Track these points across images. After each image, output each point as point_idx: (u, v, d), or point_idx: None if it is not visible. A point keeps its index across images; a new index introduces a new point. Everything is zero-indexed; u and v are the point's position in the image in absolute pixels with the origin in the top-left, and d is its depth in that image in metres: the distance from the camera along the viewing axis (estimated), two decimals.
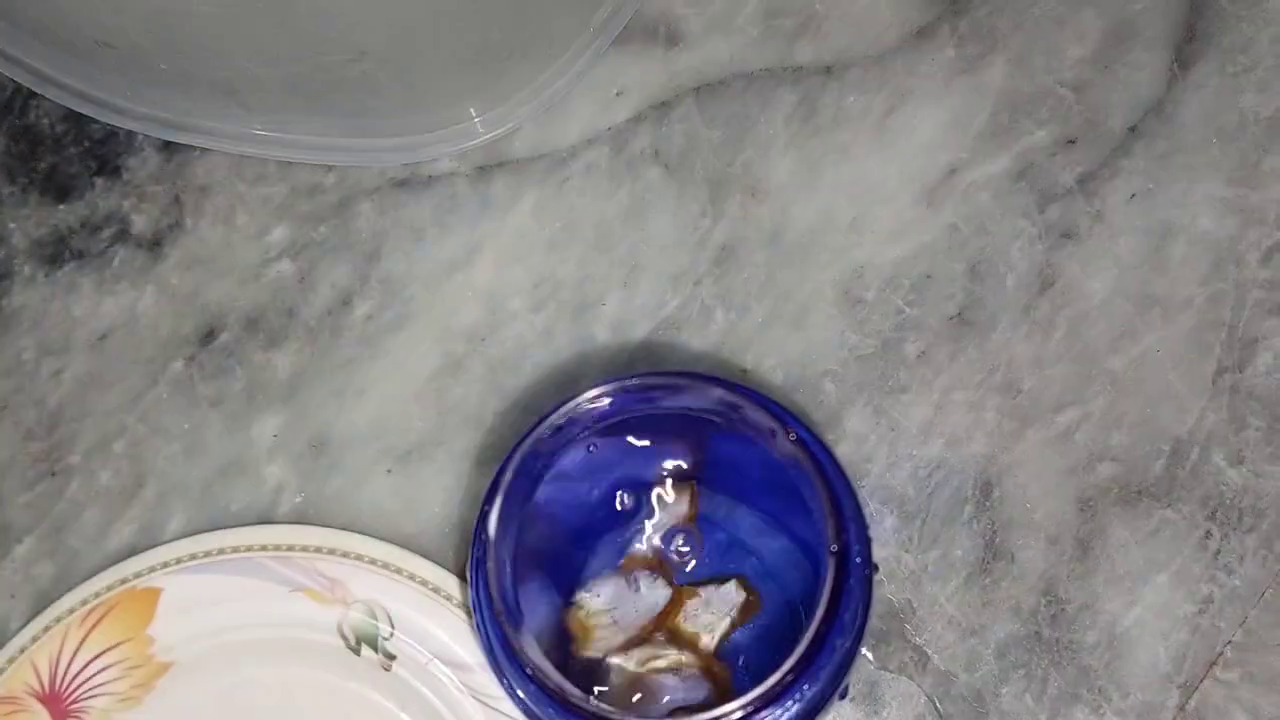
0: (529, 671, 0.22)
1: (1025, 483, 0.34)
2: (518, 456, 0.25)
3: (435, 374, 0.36)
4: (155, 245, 0.38)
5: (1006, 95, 0.37)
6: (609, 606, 0.28)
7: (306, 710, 0.32)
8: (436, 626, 0.32)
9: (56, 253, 0.38)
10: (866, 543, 0.22)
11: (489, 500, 0.24)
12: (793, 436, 0.23)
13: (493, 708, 0.31)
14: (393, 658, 0.32)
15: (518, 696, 0.23)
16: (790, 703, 0.20)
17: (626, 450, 0.27)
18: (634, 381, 0.25)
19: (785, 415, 0.24)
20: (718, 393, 0.25)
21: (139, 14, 0.33)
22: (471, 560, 0.25)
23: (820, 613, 0.20)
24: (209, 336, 0.37)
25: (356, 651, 0.32)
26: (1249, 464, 0.33)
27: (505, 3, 0.35)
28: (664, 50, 0.38)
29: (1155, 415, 0.34)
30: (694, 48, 0.38)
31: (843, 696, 0.23)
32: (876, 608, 0.33)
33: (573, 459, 0.26)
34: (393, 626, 0.32)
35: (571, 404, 0.25)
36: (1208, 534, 0.33)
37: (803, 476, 0.22)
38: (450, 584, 0.32)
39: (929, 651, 0.32)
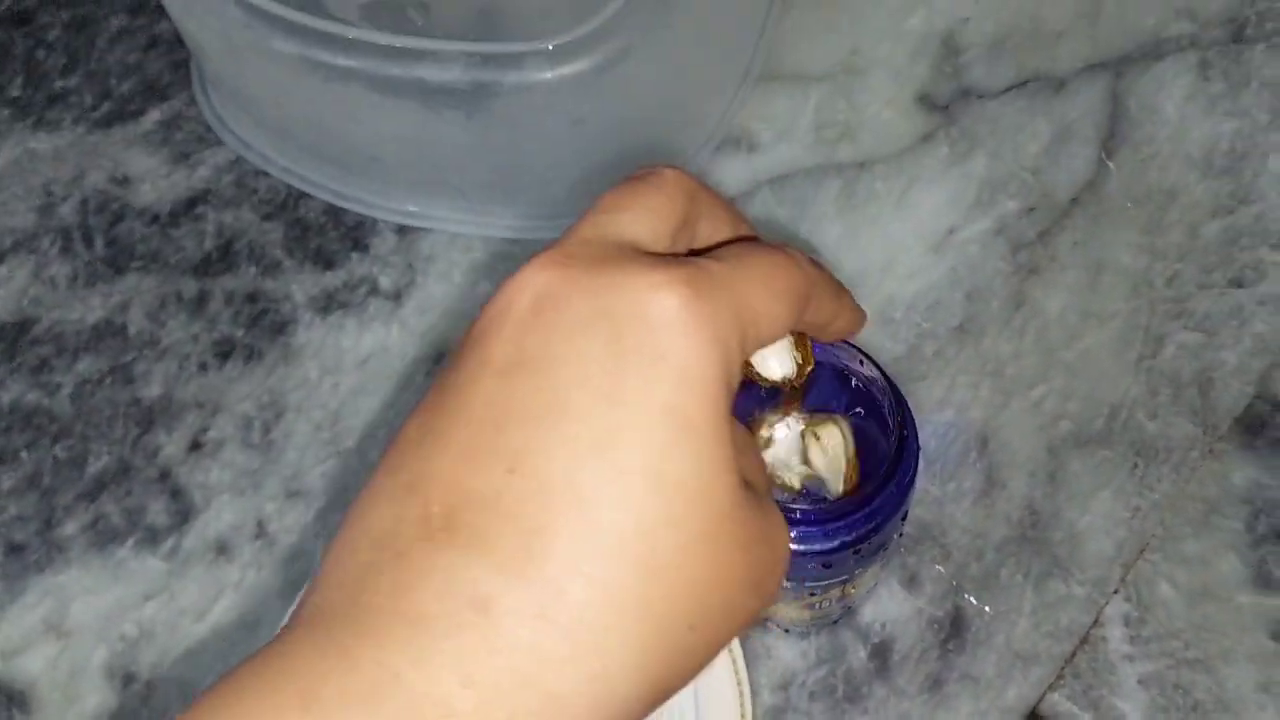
0: None
1: (1010, 437, 0.50)
2: None
3: None
4: (397, 297, 0.54)
5: (986, 178, 0.54)
6: None
7: None
8: None
9: (328, 304, 0.54)
10: (915, 431, 0.36)
11: None
12: (873, 368, 0.37)
13: None
14: None
15: None
16: (879, 504, 0.35)
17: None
18: None
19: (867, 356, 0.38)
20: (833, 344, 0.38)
21: (409, 142, 0.50)
22: None
23: (891, 461, 0.35)
24: (439, 358, 0.53)
25: None
26: (1161, 418, 0.49)
27: (645, 146, 0.52)
28: (746, 155, 0.55)
29: (1096, 389, 0.50)
30: (767, 152, 0.55)
31: (904, 518, 0.38)
32: (912, 524, 0.48)
33: None
34: None
35: None
36: (1135, 465, 0.49)
37: (879, 392, 0.37)
38: None
39: (950, 549, 0.48)
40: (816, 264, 0.26)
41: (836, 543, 0.36)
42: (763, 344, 0.24)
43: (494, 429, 0.21)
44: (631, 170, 0.26)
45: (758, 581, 0.22)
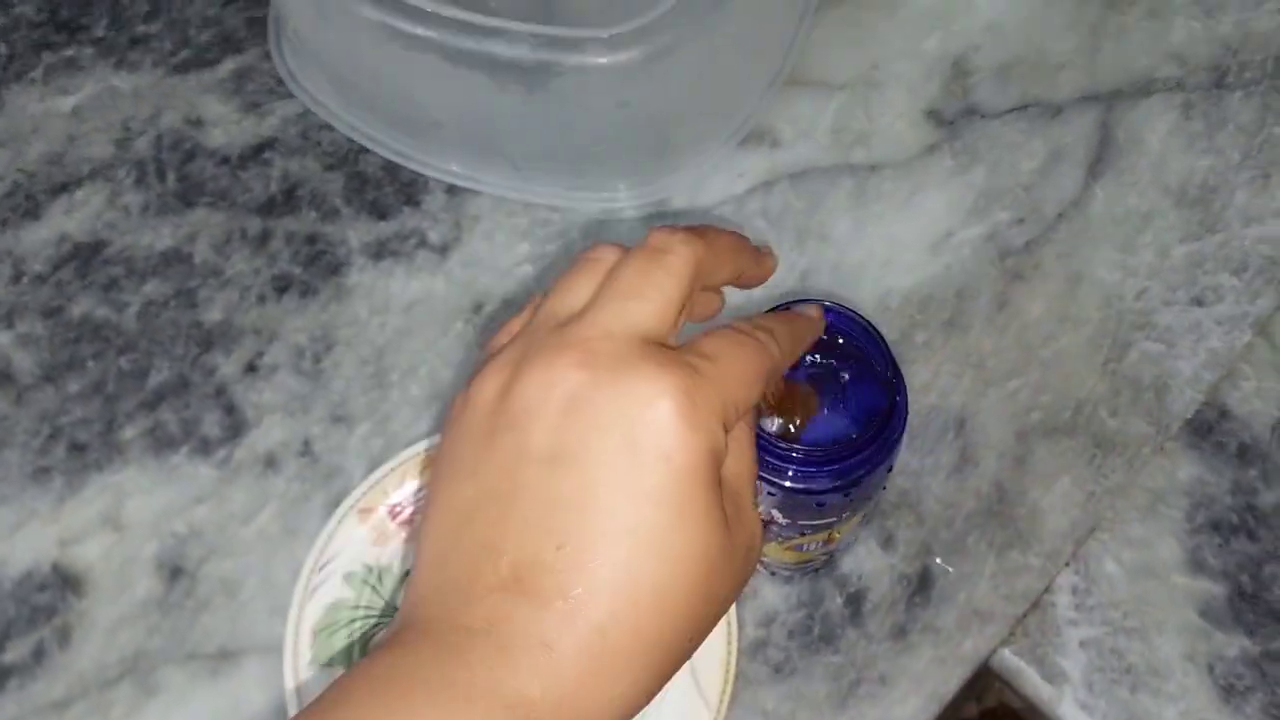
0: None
1: (986, 421, 0.55)
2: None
3: None
4: (444, 250, 0.60)
5: (983, 189, 0.60)
6: None
7: None
8: None
9: (380, 251, 0.60)
10: (905, 395, 0.42)
11: None
12: (879, 340, 0.43)
13: None
14: None
15: None
16: (870, 453, 0.40)
17: None
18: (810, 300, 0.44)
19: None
20: (846, 311, 0.44)
21: (472, 111, 0.55)
22: None
23: (884, 415, 0.41)
24: (478, 308, 0.58)
25: None
26: (1120, 416, 0.55)
27: (680, 132, 0.57)
28: (769, 149, 0.61)
29: (1065, 385, 0.56)
30: (788, 149, 0.61)
31: (889, 469, 0.43)
32: (892, 491, 0.54)
33: None
34: None
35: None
36: (1093, 456, 0.54)
37: (877, 353, 0.42)
38: None
39: (924, 516, 0.54)
40: (770, 325, 0.35)
41: (831, 484, 0.41)
42: (741, 418, 0.32)
43: (545, 511, 0.29)
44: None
45: (742, 580, 0.32)
